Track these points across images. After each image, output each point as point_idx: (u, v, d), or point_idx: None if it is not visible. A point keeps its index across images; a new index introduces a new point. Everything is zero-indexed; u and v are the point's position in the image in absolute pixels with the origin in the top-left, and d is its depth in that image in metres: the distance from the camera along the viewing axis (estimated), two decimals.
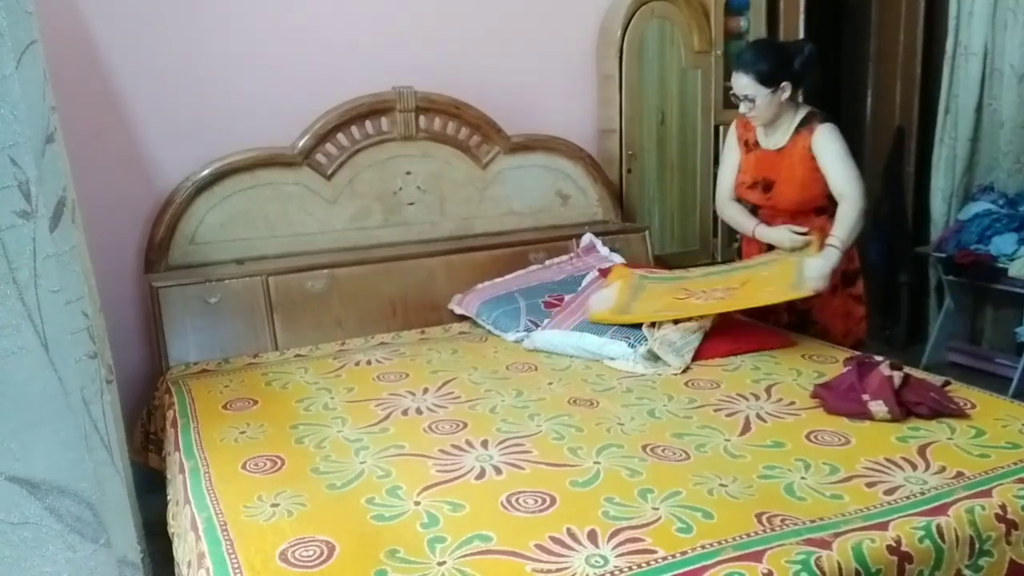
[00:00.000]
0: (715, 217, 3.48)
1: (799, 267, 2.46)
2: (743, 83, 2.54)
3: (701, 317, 2.45)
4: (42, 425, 1.20)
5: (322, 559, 1.41)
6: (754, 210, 2.80)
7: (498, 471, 1.74)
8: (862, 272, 2.78)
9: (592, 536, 1.46)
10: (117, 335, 2.46)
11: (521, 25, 3.37)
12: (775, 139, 2.65)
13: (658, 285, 2.65)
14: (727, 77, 3.67)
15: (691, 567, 1.35)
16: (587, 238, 3.26)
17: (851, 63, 4.51)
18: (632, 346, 2.45)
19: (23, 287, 1.16)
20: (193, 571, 1.48)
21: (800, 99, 2.66)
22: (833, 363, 2.34)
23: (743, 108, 2.58)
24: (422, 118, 3.10)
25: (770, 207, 2.71)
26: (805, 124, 2.58)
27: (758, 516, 1.51)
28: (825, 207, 2.62)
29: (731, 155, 2.82)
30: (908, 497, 1.58)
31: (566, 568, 1.36)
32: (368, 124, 3.04)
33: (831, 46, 4.47)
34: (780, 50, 2.60)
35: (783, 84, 2.52)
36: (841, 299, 2.71)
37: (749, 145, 2.73)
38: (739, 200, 2.83)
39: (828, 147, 2.53)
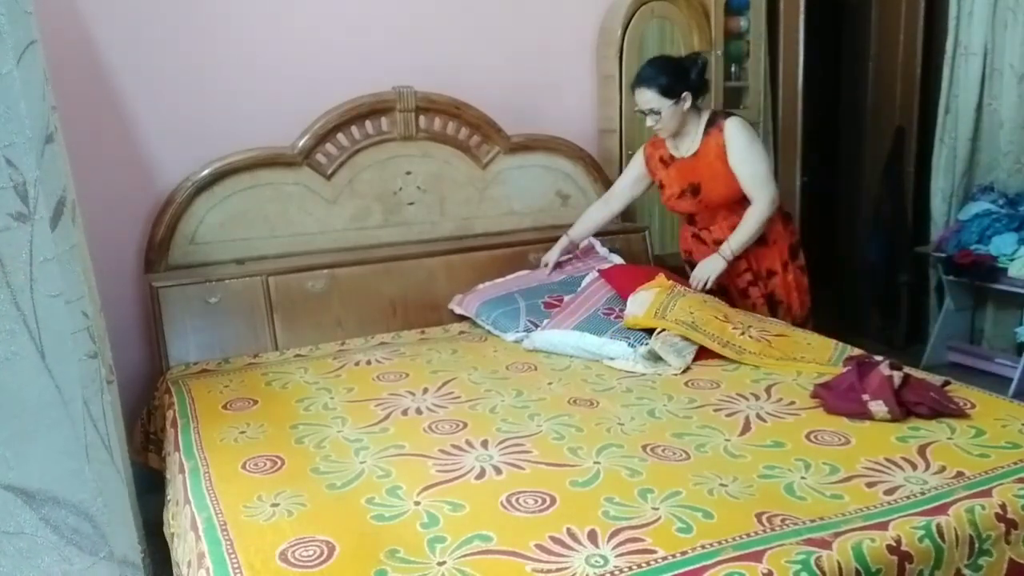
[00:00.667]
0: None
1: (836, 349, 2.42)
2: (647, 97, 2.67)
3: (726, 345, 2.40)
4: (38, 433, 1.17)
5: (322, 559, 1.41)
6: (691, 219, 2.91)
7: (498, 471, 1.74)
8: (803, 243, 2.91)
9: (592, 536, 1.46)
10: (117, 335, 2.47)
11: (521, 25, 3.37)
12: (687, 146, 2.77)
13: (696, 298, 2.62)
14: (727, 77, 3.69)
15: (691, 567, 1.35)
16: (587, 238, 3.26)
17: (851, 62, 4.50)
18: (632, 346, 2.45)
19: (17, 291, 1.15)
20: (193, 571, 1.48)
21: (702, 106, 2.79)
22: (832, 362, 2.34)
23: (649, 122, 2.72)
24: (422, 118, 3.10)
25: (703, 209, 2.81)
26: (712, 124, 2.72)
27: (758, 516, 1.51)
28: None
29: (630, 169, 2.99)
30: (908, 497, 1.58)
31: (566, 568, 1.36)
32: (368, 124, 3.04)
33: (831, 46, 4.47)
34: (676, 64, 2.73)
35: (683, 95, 2.67)
36: (793, 272, 2.84)
37: (665, 160, 2.85)
38: (674, 212, 2.97)
39: (735, 145, 2.66)
